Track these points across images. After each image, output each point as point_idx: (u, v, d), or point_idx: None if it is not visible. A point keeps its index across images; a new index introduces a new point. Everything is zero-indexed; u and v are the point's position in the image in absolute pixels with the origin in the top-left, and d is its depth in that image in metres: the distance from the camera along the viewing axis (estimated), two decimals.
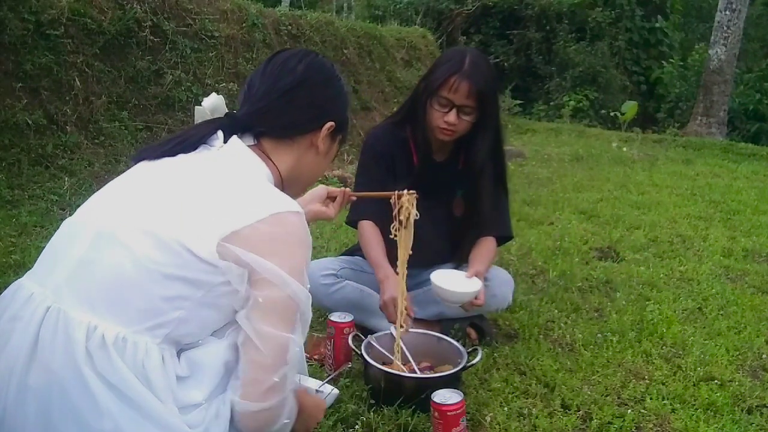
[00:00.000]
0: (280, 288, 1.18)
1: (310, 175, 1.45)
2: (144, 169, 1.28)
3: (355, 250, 2.45)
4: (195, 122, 1.38)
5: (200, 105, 1.40)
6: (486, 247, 2.30)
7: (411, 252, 2.18)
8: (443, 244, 2.34)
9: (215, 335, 1.23)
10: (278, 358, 1.19)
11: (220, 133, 1.31)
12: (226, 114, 1.37)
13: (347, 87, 1.47)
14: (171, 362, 1.16)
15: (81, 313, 1.12)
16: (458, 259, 2.33)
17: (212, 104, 1.40)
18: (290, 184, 1.36)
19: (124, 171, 1.32)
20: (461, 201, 2.32)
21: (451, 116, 2.10)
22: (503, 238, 2.42)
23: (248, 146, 1.32)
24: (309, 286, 1.23)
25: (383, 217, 2.20)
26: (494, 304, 2.28)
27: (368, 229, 2.25)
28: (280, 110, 1.34)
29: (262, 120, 1.34)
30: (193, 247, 1.14)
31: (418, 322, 2.26)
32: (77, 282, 1.15)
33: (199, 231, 1.15)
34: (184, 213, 1.17)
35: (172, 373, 1.15)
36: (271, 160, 1.34)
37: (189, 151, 1.28)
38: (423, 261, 2.31)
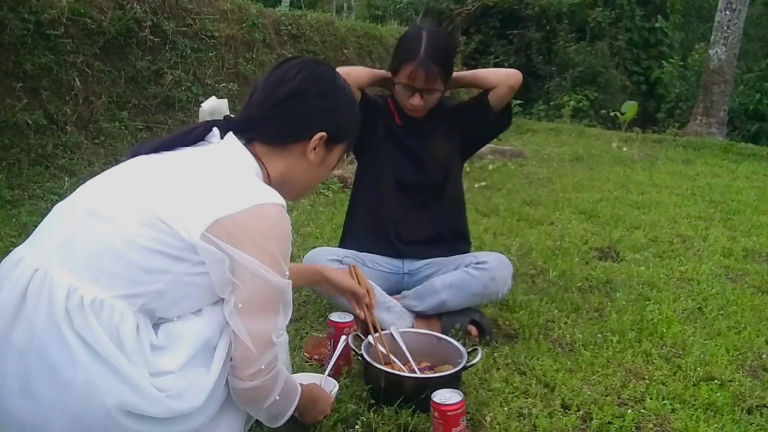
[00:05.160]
0: (261, 279, 1.24)
1: (305, 183, 1.50)
2: (138, 159, 1.35)
3: (347, 244, 2.44)
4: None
5: (201, 107, 1.46)
6: None
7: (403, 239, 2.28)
8: (434, 227, 2.39)
9: (195, 314, 1.28)
10: (263, 348, 1.27)
11: (216, 131, 1.38)
12: (225, 117, 1.43)
13: (350, 96, 1.50)
14: (145, 331, 1.22)
15: (64, 275, 1.18)
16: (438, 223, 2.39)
17: (211, 107, 1.45)
18: (281, 189, 1.38)
19: None
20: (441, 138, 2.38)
21: (416, 99, 2.20)
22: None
23: (243, 144, 1.38)
24: (288, 274, 1.30)
25: None
26: (494, 287, 2.27)
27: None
28: (271, 119, 1.40)
29: (254, 126, 1.40)
30: (177, 227, 1.20)
31: (419, 319, 2.27)
32: (65, 249, 1.21)
33: (184, 213, 1.22)
34: (171, 195, 1.24)
35: (146, 340, 1.21)
36: (261, 162, 1.39)
37: (185, 146, 1.36)
38: (415, 251, 2.34)
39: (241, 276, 1.24)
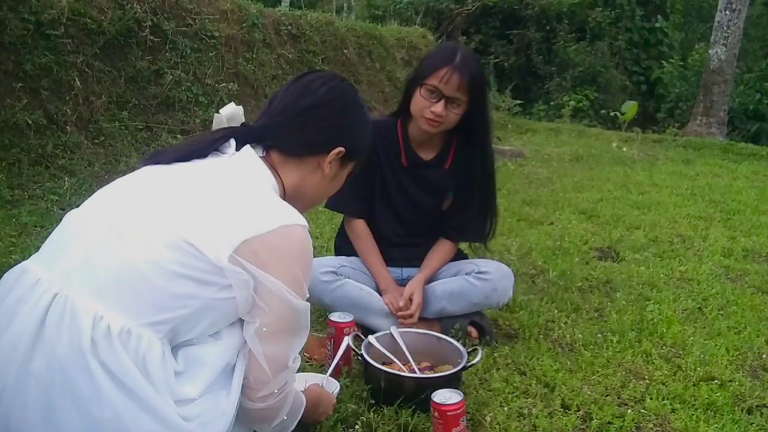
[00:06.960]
0: (282, 300, 1.24)
1: (314, 196, 1.49)
2: (156, 170, 1.31)
3: (342, 253, 2.42)
4: (213, 129, 1.42)
5: (218, 113, 1.44)
6: (443, 250, 2.33)
7: (405, 254, 2.28)
8: (431, 240, 2.36)
9: (213, 337, 1.26)
10: (277, 371, 1.27)
11: (232, 141, 1.36)
12: (242, 124, 1.42)
13: (368, 116, 1.50)
14: (169, 357, 1.19)
15: (88, 302, 1.14)
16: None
17: (230, 113, 1.43)
18: (293, 200, 1.37)
19: (124, 171, 1.34)
20: (451, 201, 2.34)
21: (439, 107, 2.07)
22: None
23: (258, 156, 1.36)
24: (308, 296, 1.30)
25: (368, 204, 2.28)
26: (495, 298, 2.27)
27: (362, 231, 2.29)
28: (293, 128, 1.39)
29: (274, 134, 1.39)
30: (204, 250, 1.18)
31: (419, 321, 2.26)
32: (86, 272, 1.17)
33: (211, 234, 1.19)
34: (196, 215, 1.22)
35: (170, 367, 1.18)
36: (277, 172, 1.38)
37: (201, 157, 1.33)
38: (418, 261, 2.32)
39: (264, 298, 1.23)
